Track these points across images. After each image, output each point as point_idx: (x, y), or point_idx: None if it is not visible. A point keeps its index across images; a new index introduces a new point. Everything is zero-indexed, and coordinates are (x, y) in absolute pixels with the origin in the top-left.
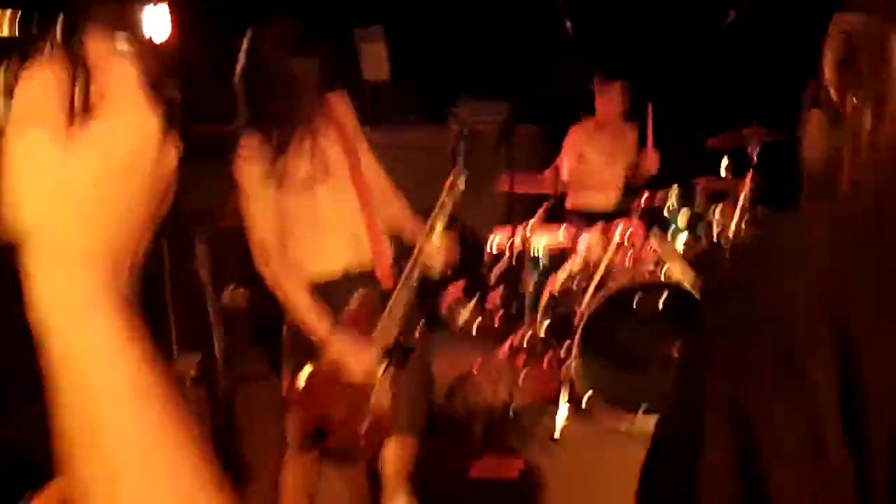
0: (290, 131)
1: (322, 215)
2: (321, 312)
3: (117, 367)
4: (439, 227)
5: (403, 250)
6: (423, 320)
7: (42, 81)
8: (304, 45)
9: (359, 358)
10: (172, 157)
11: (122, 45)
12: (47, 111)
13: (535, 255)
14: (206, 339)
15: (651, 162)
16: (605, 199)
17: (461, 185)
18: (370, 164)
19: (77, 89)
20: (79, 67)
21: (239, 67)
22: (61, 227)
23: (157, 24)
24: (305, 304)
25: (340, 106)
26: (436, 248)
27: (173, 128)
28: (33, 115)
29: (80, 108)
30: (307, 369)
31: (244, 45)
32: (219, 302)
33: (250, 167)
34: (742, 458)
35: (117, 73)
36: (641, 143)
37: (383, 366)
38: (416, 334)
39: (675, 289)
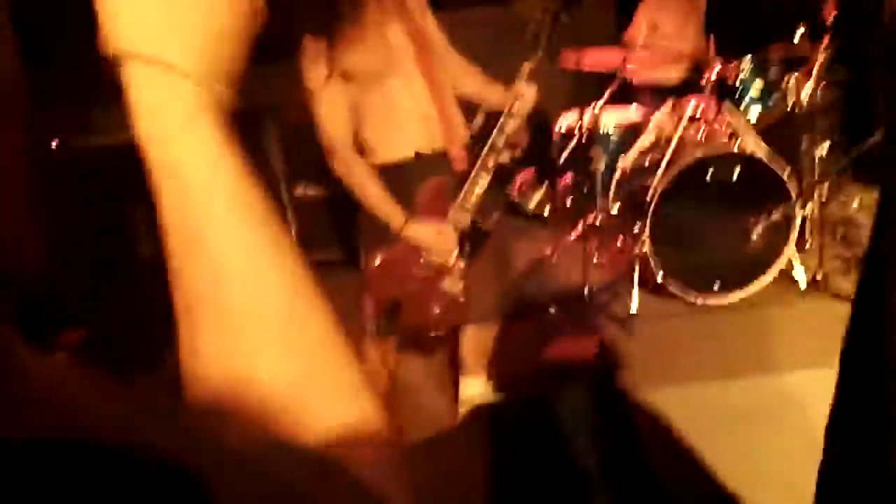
0: (352, 25)
1: (392, 103)
2: (394, 203)
3: (219, 175)
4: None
5: (476, 134)
6: (497, 204)
7: None
8: None
9: (435, 240)
10: None
11: None
12: None
13: (606, 133)
14: None
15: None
16: (675, 72)
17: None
18: (439, 43)
19: None
20: None
21: None
22: (163, 36)
23: None
24: (379, 197)
25: None
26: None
27: None
28: None
29: None
30: (383, 250)
31: None
32: (292, 195)
33: (316, 67)
34: None
35: None
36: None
37: (458, 249)
38: (491, 219)
39: (750, 160)
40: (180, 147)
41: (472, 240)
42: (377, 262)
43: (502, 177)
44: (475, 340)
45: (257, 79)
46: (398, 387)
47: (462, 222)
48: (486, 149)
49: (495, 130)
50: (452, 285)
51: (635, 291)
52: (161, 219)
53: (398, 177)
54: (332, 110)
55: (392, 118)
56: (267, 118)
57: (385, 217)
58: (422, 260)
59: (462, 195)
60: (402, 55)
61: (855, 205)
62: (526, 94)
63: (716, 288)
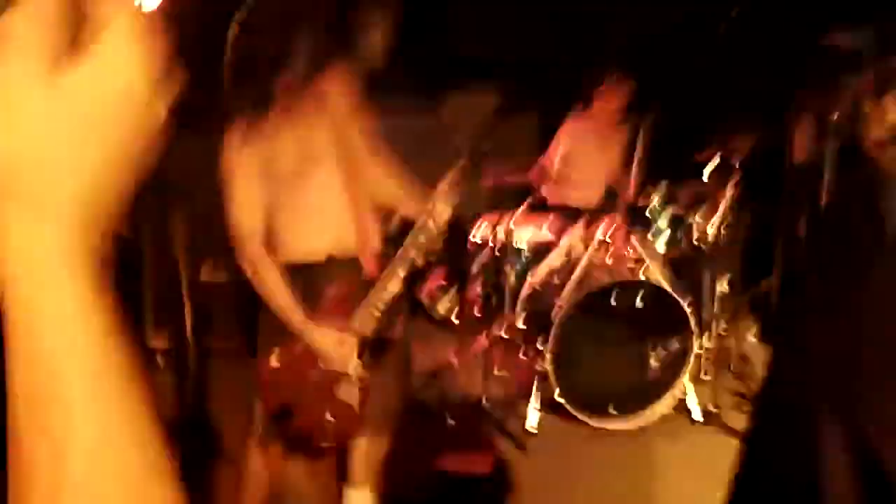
0: (276, 117)
1: (308, 201)
2: (297, 305)
3: (79, 334)
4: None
5: (390, 239)
6: (403, 312)
7: (33, 10)
8: (293, 24)
9: (334, 348)
10: (161, 111)
11: None
12: (36, 43)
13: (518, 247)
14: (180, 314)
15: (633, 187)
16: (589, 195)
17: (458, 176)
18: (363, 149)
19: (70, 23)
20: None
21: (228, 47)
22: (39, 173)
23: None
24: (282, 298)
25: (335, 86)
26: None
27: (166, 83)
28: (20, 45)
29: (70, 45)
30: (280, 350)
31: (232, 28)
32: (196, 277)
33: (236, 156)
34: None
35: (118, 12)
36: (630, 155)
37: (359, 357)
38: (396, 326)
39: (654, 288)
40: (43, 297)
41: (374, 347)
42: (272, 363)
43: (412, 279)
44: (365, 451)
45: (173, 151)
46: (279, 493)
47: (366, 330)
48: (397, 257)
49: (408, 239)
50: (348, 394)
51: (533, 408)
52: (8, 374)
53: (306, 277)
54: (246, 201)
55: (306, 218)
56: (176, 195)
57: (286, 318)
58: (319, 366)
59: (369, 302)
60: (324, 157)
61: (752, 339)
62: (442, 211)
63: (611, 411)
